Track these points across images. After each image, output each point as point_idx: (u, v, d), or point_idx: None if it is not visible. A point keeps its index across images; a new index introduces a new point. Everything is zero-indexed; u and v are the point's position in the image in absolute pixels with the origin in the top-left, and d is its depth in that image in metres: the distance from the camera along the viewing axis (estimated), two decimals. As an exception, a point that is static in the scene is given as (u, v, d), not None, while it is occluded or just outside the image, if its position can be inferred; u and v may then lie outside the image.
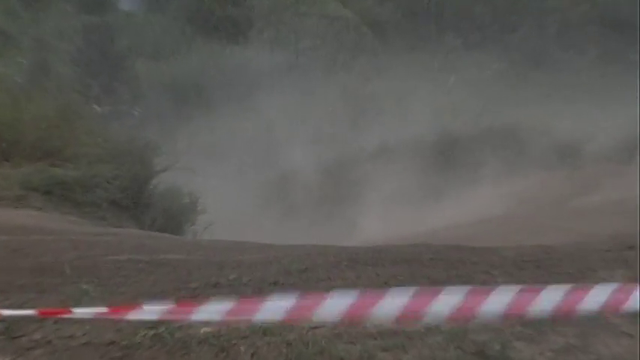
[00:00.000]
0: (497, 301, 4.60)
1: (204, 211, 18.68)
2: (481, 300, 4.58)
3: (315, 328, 6.11)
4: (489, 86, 32.75)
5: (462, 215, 16.68)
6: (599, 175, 19.05)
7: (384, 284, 7.42)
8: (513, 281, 7.61)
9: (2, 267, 7.90)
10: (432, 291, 4.60)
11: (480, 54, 37.03)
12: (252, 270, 8.27)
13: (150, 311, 4.78)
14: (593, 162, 20.83)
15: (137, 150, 18.05)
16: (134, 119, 24.91)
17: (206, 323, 6.12)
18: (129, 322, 6.04)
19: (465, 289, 4.58)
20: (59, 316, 5.77)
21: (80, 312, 4.81)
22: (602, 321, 6.33)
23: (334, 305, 4.61)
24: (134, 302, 4.87)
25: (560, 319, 6.17)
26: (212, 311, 4.73)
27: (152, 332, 6.10)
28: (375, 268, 8.54)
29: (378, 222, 18.56)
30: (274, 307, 4.71)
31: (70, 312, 5.14)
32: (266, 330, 6.05)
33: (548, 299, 4.58)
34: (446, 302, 4.58)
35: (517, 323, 6.25)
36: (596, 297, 4.67)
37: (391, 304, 4.64)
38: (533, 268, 8.40)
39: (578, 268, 8.18)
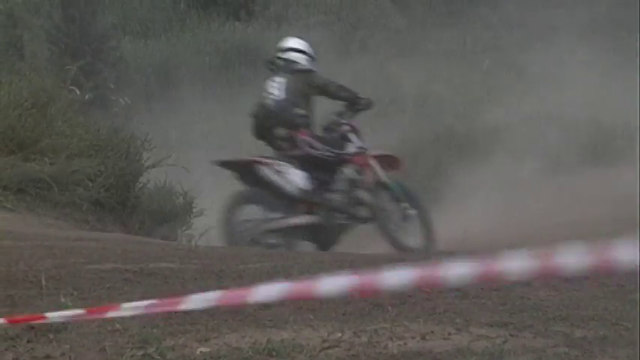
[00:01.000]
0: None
1: (200, 213, 18.53)
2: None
3: (329, 347, 6.13)
4: (530, 69, 32.79)
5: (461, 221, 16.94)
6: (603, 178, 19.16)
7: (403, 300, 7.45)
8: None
9: None
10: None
11: (520, 31, 36.98)
12: (256, 281, 8.29)
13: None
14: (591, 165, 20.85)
15: (123, 142, 17.81)
16: (120, 106, 24.74)
17: (202, 342, 6.15)
18: (115, 341, 6.07)
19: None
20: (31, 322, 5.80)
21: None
22: None
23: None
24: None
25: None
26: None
27: (140, 352, 6.12)
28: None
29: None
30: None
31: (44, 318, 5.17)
32: (272, 350, 6.07)
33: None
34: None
35: (561, 342, 6.28)
36: None
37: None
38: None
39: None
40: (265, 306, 7.41)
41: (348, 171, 16.17)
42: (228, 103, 30.97)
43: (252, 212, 15.72)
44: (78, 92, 22.38)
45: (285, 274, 8.87)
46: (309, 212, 15.78)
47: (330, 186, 16.04)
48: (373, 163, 16.20)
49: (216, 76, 33.04)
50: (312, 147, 16.00)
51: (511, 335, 6.35)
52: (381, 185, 16.21)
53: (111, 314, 4.89)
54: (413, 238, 15.89)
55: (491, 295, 7.56)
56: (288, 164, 15.80)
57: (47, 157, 16.28)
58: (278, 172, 15.64)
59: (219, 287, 8.04)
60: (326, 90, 16.45)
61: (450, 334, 6.30)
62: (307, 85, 16.33)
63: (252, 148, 20.24)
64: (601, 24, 35.55)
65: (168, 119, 24.97)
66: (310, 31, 35.34)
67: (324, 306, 7.35)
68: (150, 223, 16.80)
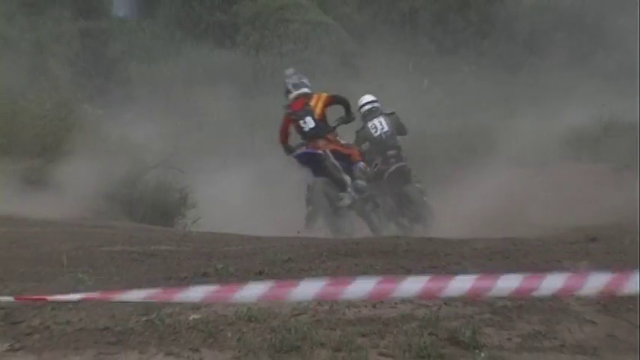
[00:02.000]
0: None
1: (193, 206, 18.62)
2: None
3: (298, 314, 6.13)
4: (461, 88, 32.94)
5: (437, 209, 16.81)
6: (563, 172, 19.08)
7: (362, 274, 7.44)
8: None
9: (3, 257, 7.91)
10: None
11: (453, 58, 37.22)
12: (238, 260, 8.29)
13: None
14: (556, 160, 20.86)
15: (129, 147, 18.04)
16: (127, 118, 24.88)
17: (194, 310, 6.15)
18: (123, 309, 6.06)
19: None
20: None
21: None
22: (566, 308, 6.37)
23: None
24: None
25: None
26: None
27: (144, 318, 6.11)
28: (354, 258, 8.57)
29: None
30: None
31: (46, 299, 5.14)
32: (251, 317, 6.07)
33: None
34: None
35: (486, 310, 6.29)
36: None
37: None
38: (501, 258, 8.45)
39: (544, 259, 8.22)
40: (244, 281, 7.41)
41: None
42: (218, 115, 31.07)
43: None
44: (89, 108, 22.50)
45: (263, 255, 8.88)
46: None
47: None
48: None
49: (206, 92, 33.05)
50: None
51: (445, 304, 6.35)
52: None
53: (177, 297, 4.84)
54: None
55: (428, 271, 7.57)
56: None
57: (67, 159, 16.37)
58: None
59: (208, 265, 8.04)
60: (402, 125, 17.74)
61: (396, 304, 6.29)
62: (397, 121, 17.58)
63: (236, 154, 20.33)
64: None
65: (167, 128, 24.98)
66: (283, 57, 35.48)
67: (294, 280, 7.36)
68: (152, 214, 16.92)
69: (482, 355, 5.70)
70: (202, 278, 7.46)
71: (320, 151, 15.28)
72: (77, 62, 35.27)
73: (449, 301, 6.31)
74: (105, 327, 6.03)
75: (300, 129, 15.54)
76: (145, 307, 6.12)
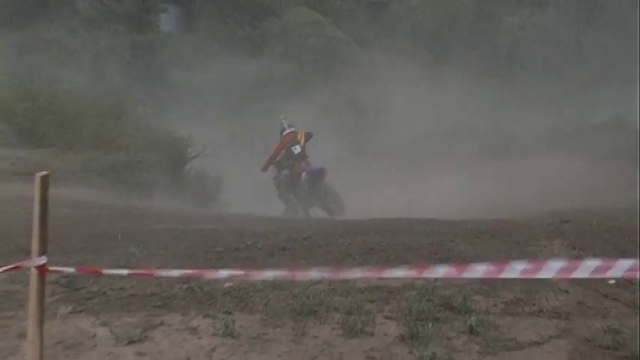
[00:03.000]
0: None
1: (226, 190, 18.80)
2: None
3: (316, 284, 6.14)
4: (454, 93, 32.96)
5: (435, 196, 16.85)
6: (539, 165, 19.07)
7: (370, 250, 7.44)
8: (472, 248, 7.67)
9: (67, 234, 7.91)
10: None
11: (447, 67, 37.31)
12: (265, 238, 8.29)
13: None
14: (534, 154, 20.87)
15: (173, 141, 18.20)
16: (171, 117, 25.04)
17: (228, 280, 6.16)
18: (166, 280, 6.08)
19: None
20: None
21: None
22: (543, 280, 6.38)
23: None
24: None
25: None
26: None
27: (185, 286, 6.12)
28: (363, 236, 8.57)
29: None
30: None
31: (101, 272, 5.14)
32: (276, 285, 6.08)
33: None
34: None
35: (475, 281, 6.29)
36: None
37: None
38: (488, 237, 8.44)
39: (525, 238, 8.20)
40: (270, 255, 7.42)
41: None
42: (249, 115, 31.33)
43: None
44: (141, 109, 22.80)
45: (286, 233, 8.88)
46: None
47: None
48: None
49: (237, 95, 33.32)
50: None
51: (480, 280, 6.36)
52: None
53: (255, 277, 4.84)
54: None
55: (426, 247, 7.57)
56: None
57: (121, 151, 16.49)
58: None
59: (240, 242, 8.05)
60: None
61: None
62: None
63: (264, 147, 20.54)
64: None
65: (205, 126, 25.05)
66: (303, 66, 35.68)
67: (312, 254, 7.36)
68: (191, 197, 17.04)
69: (472, 318, 5.70)
70: (235, 252, 7.47)
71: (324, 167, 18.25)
72: (130, 70, 35.75)
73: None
74: (152, 293, 6.04)
75: (290, 152, 18.41)
76: (187, 276, 6.13)
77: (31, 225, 4.06)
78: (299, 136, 19.00)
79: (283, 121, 19.24)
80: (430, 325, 5.64)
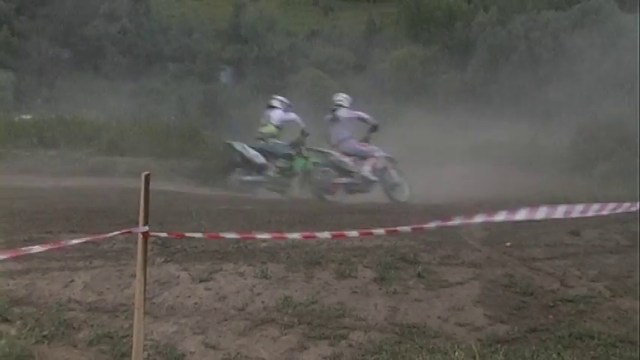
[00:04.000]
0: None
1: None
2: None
3: (321, 244, 6.17)
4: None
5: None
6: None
7: (355, 224, 7.44)
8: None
9: (163, 211, 7.79)
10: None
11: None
12: (287, 214, 8.31)
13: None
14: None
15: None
16: (226, 137, 24.47)
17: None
18: (225, 240, 6.10)
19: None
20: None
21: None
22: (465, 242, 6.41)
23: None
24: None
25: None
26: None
27: (236, 245, 6.15)
28: (351, 215, 8.60)
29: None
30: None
31: (183, 235, 5.16)
32: (294, 245, 6.11)
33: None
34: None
35: (421, 244, 6.31)
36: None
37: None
38: (431, 217, 8.43)
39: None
40: (291, 225, 7.41)
41: None
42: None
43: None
44: (207, 133, 22.20)
45: (301, 212, 8.87)
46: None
47: None
48: None
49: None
50: None
51: (400, 240, 6.38)
52: None
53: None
54: None
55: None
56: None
57: (195, 158, 15.76)
58: None
59: (270, 217, 8.05)
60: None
61: (371, 240, 6.32)
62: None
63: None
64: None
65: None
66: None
67: (318, 225, 7.38)
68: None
69: (419, 267, 5.73)
70: (267, 224, 7.48)
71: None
72: (201, 107, 36.24)
73: (401, 238, 6.34)
74: (215, 250, 6.08)
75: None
76: (233, 240, 6.15)
77: (138, 206, 4.13)
78: None
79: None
80: (392, 271, 5.67)
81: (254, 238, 4.70)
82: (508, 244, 6.32)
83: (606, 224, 6.73)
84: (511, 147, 17.60)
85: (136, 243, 4.14)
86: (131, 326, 4.34)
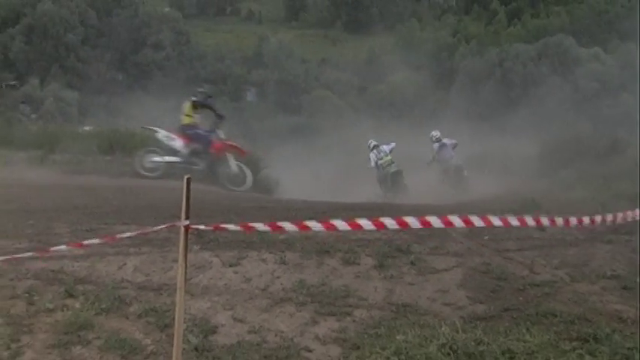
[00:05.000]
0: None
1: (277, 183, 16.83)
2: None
3: (330, 236, 6.12)
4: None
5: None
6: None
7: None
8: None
9: (207, 208, 7.69)
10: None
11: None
12: (304, 212, 8.27)
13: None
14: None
15: (254, 159, 14.81)
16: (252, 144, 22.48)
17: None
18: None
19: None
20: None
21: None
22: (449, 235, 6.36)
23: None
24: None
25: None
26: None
27: (260, 236, 6.10)
28: (354, 212, 8.52)
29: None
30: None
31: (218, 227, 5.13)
32: (308, 237, 6.07)
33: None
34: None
35: (414, 236, 6.24)
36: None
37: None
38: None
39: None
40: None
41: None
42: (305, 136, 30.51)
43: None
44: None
45: (315, 210, 8.79)
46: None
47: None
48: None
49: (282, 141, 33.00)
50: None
51: (395, 234, 6.32)
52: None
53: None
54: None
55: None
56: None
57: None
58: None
59: (288, 214, 8.00)
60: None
61: (372, 233, 6.26)
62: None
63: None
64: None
65: (269, 146, 23.11)
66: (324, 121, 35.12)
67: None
68: (260, 188, 15.24)
69: (412, 256, 5.70)
70: (287, 219, 7.43)
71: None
72: (229, 121, 36.66)
73: (397, 232, 6.29)
74: (242, 240, 6.05)
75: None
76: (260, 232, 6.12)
77: (178, 202, 4.13)
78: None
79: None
80: (389, 259, 5.64)
81: (282, 229, 4.66)
82: (486, 237, 6.27)
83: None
84: (487, 156, 17.59)
85: (178, 233, 4.13)
86: (173, 302, 4.33)
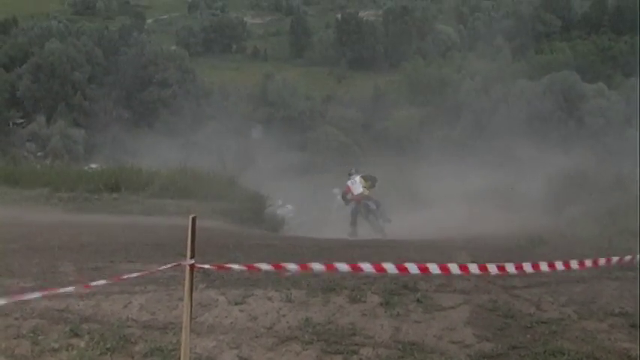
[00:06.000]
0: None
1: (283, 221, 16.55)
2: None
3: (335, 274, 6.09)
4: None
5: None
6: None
7: (368, 256, 7.36)
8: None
9: (203, 247, 7.67)
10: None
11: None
12: (308, 250, 8.27)
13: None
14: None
15: (254, 195, 15.22)
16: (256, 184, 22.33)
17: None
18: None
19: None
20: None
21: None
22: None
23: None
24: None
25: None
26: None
27: (265, 274, 6.08)
28: (360, 249, 8.51)
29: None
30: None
31: (222, 266, 5.13)
32: (314, 275, 6.03)
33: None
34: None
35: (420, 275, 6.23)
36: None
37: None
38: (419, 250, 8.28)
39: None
40: (312, 258, 7.37)
41: None
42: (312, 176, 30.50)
43: None
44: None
45: (320, 247, 8.80)
46: None
47: None
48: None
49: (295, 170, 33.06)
50: None
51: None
52: None
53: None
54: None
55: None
56: None
57: (223, 200, 14.42)
58: None
59: (294, 251, 8.00)
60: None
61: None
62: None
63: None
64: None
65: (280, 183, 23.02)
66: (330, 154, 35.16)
67: (328, 254, 7.33)
68: (267, 226, 15.32)
69: (418, 293, 5.70)
70: (291, 256, 7.44)
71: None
72: (238, 154, 37.23)
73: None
74: (247, 277, 6.05)
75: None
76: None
77: (184, 240, 4.17)
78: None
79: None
80: (396, 297, 5.64)
81: (283, 269, 4.68)
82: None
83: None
84: (494, 192, 17.52)
85: (183, 272, 4.16)
86: (179, 341, 4.34)
